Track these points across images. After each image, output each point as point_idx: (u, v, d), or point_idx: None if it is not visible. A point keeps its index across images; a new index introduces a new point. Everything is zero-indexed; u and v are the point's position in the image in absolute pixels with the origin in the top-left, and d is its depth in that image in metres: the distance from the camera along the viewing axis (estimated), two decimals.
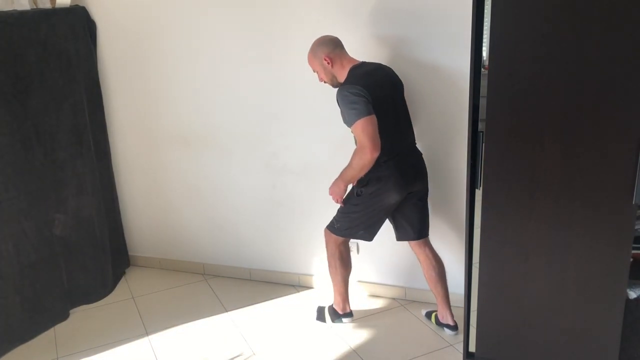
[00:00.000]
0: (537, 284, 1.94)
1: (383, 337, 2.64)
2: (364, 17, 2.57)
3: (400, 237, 2.56)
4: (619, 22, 1.61)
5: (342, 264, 2.58)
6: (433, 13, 2.45)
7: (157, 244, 3.44)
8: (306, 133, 2.86)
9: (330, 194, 2.43)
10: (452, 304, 2.62)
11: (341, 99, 2.23)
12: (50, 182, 2.80)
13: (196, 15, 2.87)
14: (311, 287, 3.14)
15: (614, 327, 1.89)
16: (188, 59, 2.97)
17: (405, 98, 2.44)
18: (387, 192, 2.34)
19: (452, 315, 2.62)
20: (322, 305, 2.81)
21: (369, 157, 2.19)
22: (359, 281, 3.00)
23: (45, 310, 2.82)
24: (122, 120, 3.23)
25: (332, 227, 2.52)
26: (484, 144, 1.85)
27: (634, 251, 1.89)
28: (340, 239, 2.53)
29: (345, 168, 2.32)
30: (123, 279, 3.35)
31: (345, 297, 2.69)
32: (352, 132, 2.27)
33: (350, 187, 2.43)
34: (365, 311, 2.85)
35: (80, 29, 2.93)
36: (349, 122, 2.23)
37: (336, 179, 2.38)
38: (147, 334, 2.76)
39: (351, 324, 2.73)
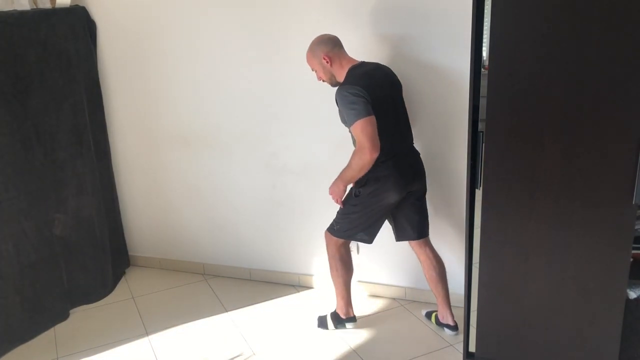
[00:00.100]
0: (537, 284, 1.94)
1: (383, 337, 2.64)
2: (364, 17, 2.56)
3: (399, 237, 2.56)
4: (619, 22, 1.61)
5: (343, 266, 2.58)
6: (433, 13, 2.45)
7: (157, 244, 3.44)
8: (306, 133, 2.86)
9: (330, 194, 2.43)
10: (452, 304, 2.62)
11: (340, 99, 2.23)
12: (50, 182, 2.80)
13: (196, 15, 2.87)
14: (311, 287, 3.14)
15: (614, 327, 1.89)
16: (188, 59, 2.97)
17: (406, 98, 2.44)
18: (385, 192, 2.34)
19: (453, 315, 2.61)
20: (322, 314, 2.77)
21: (368, 157, 2.19)
22: (359, 281, 3.00)
23: (45, 310, 2.82)
24: (122, 120, 3.23)
25: (332, 229, 2.51)
26: (484, 144, 1.85)
27: (634, 251, 1.89)
28: (341, 241, 2.52)
29: (345, 168, 2.32)
30: (123, 279, 3.35)
31: (347, 300, 2.67)
32: (350, 132, 2.27)
33: (349, 187, 2.43)
34: (365, 311, 2.85)
35: (80, 29, 2.93)
36: (348, 122, 2.23)
37: (335, 180, 2.38)
38: (147, 334, 2.76)
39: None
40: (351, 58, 2.37)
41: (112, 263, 3.21)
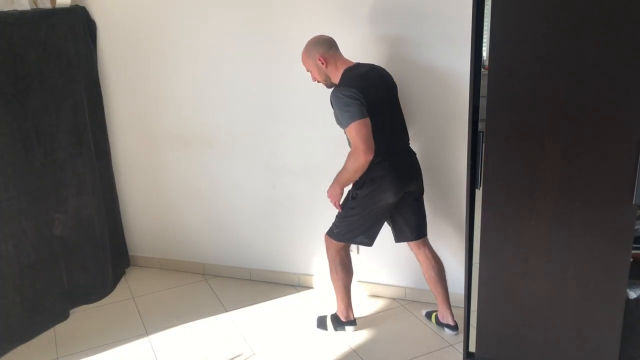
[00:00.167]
0: (537, 284, 1.93)
1: (383, 337, 2.64)
2: (363, 17, 2.56)
3: (398, 238, 2.56)
4: (619, 22, 1.61)
5: (343, 269, 2.57)
6: (433, 13, 2.44)
7: (157, 244, 3.44)
8: (306, 133, 2.86)
9: (329, 197, 2.43)
10: (452, 304, 2.62)
11: (335, 101, 2.23)
12: (50, 182, 2.80)
13: (196, 15, 2.87)
14: (311, 287, 3.14)
15: (614, 327, 1.89)
16: (188, 59, 2.97)
17: (406, 98, 2.44)
18: (382, 192, 2.34)
19: (453, 315, 2.61)
20: (322, 315, 2.77)
21: (362, 159, 2.19)
22: (359, 281, 3.00)
23: (45, 310, 2.82)
24: (122, 120, 3.23)
25: (331, 233, 2.51)
26: (484, 144, 1.85)
27: (634, 251, 1.90)
28: (341, 244, 2.52)
29: (340, 171, 2.32)
30: (123, 279, 3.35)
31: (348, 303, 2.66)
32: (345, 134, 2.27)
33: (347, 190, 2.43)
34: (365, 311, 2.85)
35: (80, 29, 2.93)
36: (342, 124, 2.23)
37: (332, 183, 2.38)
38: (147, 334, 2.76)
39: None
40: (346, 59, 2.36)
41: (112, 263, 3.21)
